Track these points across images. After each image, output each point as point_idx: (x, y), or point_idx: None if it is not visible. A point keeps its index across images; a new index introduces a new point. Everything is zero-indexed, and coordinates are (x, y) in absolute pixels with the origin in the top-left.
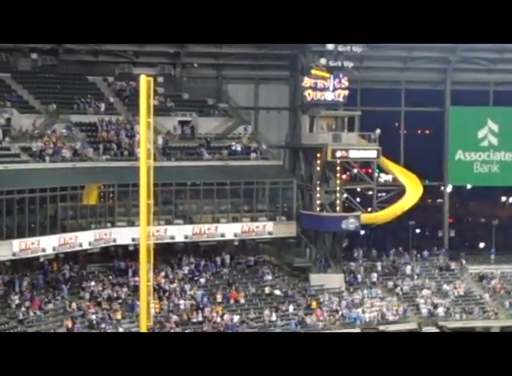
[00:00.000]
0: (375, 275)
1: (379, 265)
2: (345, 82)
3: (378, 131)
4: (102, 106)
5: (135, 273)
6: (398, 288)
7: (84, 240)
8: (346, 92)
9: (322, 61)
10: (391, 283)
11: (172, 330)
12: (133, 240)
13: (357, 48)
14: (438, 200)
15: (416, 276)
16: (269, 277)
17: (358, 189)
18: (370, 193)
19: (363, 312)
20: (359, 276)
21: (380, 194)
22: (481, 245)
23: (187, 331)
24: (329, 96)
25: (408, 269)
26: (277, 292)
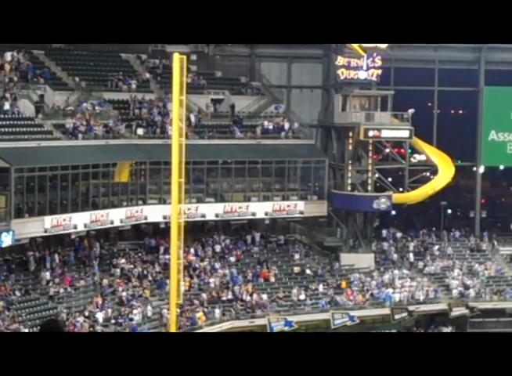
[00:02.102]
0: (406, 255)
1: (411, 245)
2: (379, 61)
3: (411, 110)
4: (135, 84)
5: (166, 251)
6: (429, 269)
7: (116, 217)
8: (379, 71)
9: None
10: (421, 264)
11: (200, 308)
12: (164, 217)
13: None
14: (470, 181)
15: (446, 257)
16: (299, 256)
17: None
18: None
19: (393, 292)
20: (391, 256)
21: (411, 174)
22: None
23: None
24: (362, 75)
25: (439, 249)
26: (307, 271)
